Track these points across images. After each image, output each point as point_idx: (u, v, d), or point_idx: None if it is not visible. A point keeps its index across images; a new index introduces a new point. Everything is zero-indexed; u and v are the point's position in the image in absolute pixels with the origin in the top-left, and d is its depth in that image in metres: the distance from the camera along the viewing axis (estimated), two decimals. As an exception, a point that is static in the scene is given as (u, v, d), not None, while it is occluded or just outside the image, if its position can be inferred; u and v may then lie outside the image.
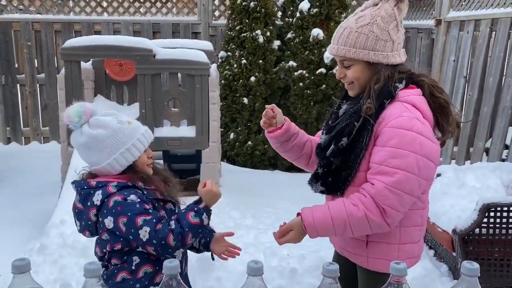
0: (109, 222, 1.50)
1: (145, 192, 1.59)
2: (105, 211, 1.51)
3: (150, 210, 1.53)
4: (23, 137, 6.37)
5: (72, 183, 1.63)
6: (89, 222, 1.56)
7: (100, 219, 1.53)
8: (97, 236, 1.62)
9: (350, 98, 1.65)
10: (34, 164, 5.39)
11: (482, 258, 2.59)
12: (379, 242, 1.57)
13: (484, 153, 4.33)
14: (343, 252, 1.73)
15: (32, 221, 3.70)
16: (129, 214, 1.49)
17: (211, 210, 1.58)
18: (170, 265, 0.97)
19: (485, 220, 2.55)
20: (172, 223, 1.51)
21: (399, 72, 1.57)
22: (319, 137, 1.76)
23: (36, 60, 6.22)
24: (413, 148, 1.44)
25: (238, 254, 1.78)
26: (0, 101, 6.17)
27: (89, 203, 1.54)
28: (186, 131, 4.23)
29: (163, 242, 1.47)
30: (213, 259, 1.82)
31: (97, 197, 1.52)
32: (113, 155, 1.54)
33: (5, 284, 2.90)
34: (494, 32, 4.38)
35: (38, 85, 6.25)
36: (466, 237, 2.57)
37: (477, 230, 2.57)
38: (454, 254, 2.68)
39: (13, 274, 0.96)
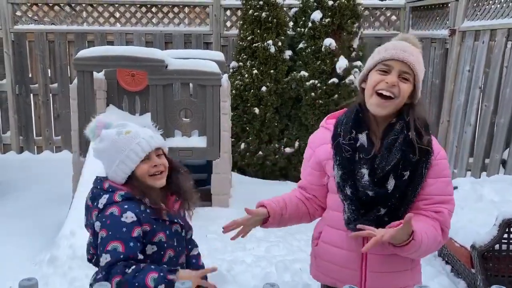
0: (97, 226, 1.52)
1: (148, 210, 1.55)
2: (99, 215, 1.53)
3: (131, 243, 1.46)
4: (35, 146, 6.41)
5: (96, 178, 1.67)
6: (91, 221, 1.59)
7: (95, 220, 1.55)
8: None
9: (363, 127, 1.57)
10: (46, 174, 5.41)
11: (503, 275, 2.51)
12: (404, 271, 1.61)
13: (501, 165, 4.24)
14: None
15: (43, 232, 3.69)
16: (110, 233, 1.47)
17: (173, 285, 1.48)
18: (183, 286, 0.94)
19: (506, 236, 2.47)
20: (131, 270, 1.43)
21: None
22: (300, 187, 1.72)
23: (49, 70, 6.27)
24: (450, 175, 1.62)
25: None
26: (13, 111, 6.22)
27: (95, 203, 1.57)
28: (197, 141, 4.21)
29: (107, 278, 1.42)
30: None
31: (102, 201, 1.54)
32: (112, 167, 1.56)
33: (14, 295, 2.86)
34: (510, 42, 4.31)
35: (51, 94, 6.29)
36: (485, 254, 2.49)
37: (497, 246, 2.48)
38: (473, 270, 2.59)
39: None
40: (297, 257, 3.24)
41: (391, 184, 1.51)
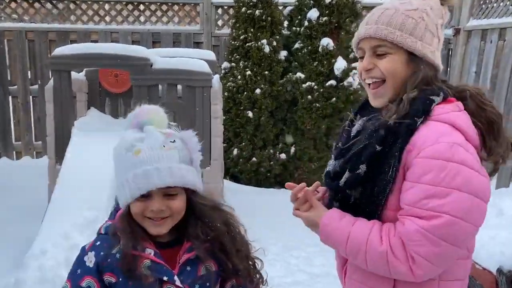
0: None
1: (117, 256, 1.14)
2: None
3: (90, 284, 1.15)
4: (14, 152, 6.04)
5: None
6: None
7: None
8: None
9: (368, 112, 1.33)
10: (23, 181, 5.05)
11: (533, 303, 2.21)
12: None
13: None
14: None
15: (12, 249, 3.33)
16: (70, 269, 1.21)
17: None
18: None
19: (537, 258, 2.18)
20: None
21: (435, 81, 1.25)
22: None
23: (29, 71, 5.92)
24: (455, 184, 1.12)
25: None
26: (-10, 114, 5.86)
27: None
28: (186, 147, 3.87)
29: None
30: None
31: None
32: (116, 184, 1.20)
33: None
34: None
35: (31, 97, 5.94)
36: (514, 279, 2.19)
37: (526, 270, 2.18)
38: (497, 297, 2.29)
39: None
40: (296, 279, 2.91)
41: (345, 177, 1.24)
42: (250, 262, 1.26)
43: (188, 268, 1.18)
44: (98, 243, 1.19)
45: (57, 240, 2.91)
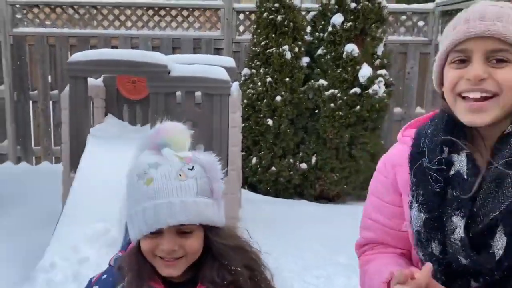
0: None
1: None
2: None
3: None
4: (33, 157, 6.05)
5: None
6: None
7: None
8: None
9: (461, 141, 0.99)
10: (40, 187, 5.00)
11: None
12: None
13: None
14: None
15: (24, 259, 3.26)
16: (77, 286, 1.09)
17: None
18: None
19: None
20: None
21: None
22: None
23: (49, 76, 5.93)
24: None
25: None
26: (11, 119, 5.87)
27: None
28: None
29: None
30: None
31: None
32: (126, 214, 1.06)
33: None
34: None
35: (51, 102, 5.94)
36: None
37: None
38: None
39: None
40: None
41: (499, 244, 0.90)
42: None
43: None
44: (105, 276, 1.07)
45: (66, 254, 2.83)
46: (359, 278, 1.20)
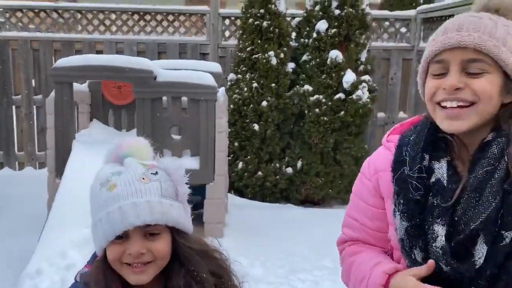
0: None
1: None
2: None
3: None
4: (17, 162, 5.98)
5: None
6: None
7: None
8: None
9: (443, 151, 1.02)
10: (24, 193, 4.97)
11: None
12: None
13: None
14: None
15: (8, 266, 3.25)
16: None
17: None
18: None
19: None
20: None
21: None
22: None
23: (33, 81, 5.88)
24: None
25: None
26: (-7, 124, 5.81)
27: None
28: (189, 162, 3.76)
29: None
30: None
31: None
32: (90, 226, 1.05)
33: None
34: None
35: (34, 107, 5.89)
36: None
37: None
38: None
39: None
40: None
41: (479, 253, 0.93)
42: None
43: None
44: None
45: (53, 259, 2.82)
46: (341, 271, 1.23)
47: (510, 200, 0.92)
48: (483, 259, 0.92)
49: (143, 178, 0.98)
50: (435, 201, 0.98)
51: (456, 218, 0.95)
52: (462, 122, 0.98)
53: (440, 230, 0.96)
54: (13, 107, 5.86)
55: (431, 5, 6.14)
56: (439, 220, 0.96)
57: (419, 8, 5.96)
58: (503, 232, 0.91)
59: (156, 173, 1.01)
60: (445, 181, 0.98)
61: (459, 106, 0.98)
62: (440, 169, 0.99)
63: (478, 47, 0.96)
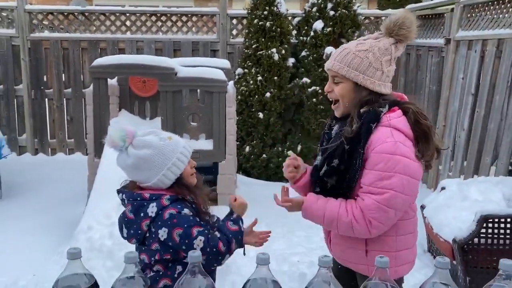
0: (163, 233, 1.58)
1: (193, 206, 1.67)
2: (159, 222, 1.58)
3: (202, 222, 1.64)
4: (49, 148, 6.69)
5: (121, 192, 1.71)
6: (139, 231, 1.60)
7: (153, 229, 1.59)
8: (141, 244, 1.66)
9: (340, 119, 1.76)
10: (60, 174, 5.67)
11: (481, 266, 2.73)
12: (378, 251, 1.66)
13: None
14: (344, 263, 1.84)
15: (62, 228, 3.96)
16: (185, 226, 1.58)
17: (242, 218, 1.75)
18: (194, 254, 1.18)
19: (483, 230, 2.70)
20: (217, 233, 1.64)
21: (383, 99, 1.69)
22: None
23: (63, 76, 6.56)
24: (397, 170, 1.58)
25: (270, 236, 1.90)
26: (29, 114, 6.53)
27: (142, 214, 1.59)
28: (204, 144, 4.46)
29: (214, 249, 1.59)
30: (244, 254, 1.81)
31: (152, 209, 1.58)
32: (162, 171, 1.61)
33: (37, 283, 3.12)
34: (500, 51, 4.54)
35: (64, 99, 6.58)
36: (465, 247, 2.72)
37: (475, 240, 2.72)
38: (454, 262, 2.83)
39: (68, 259, 1.17)
40: (295, 251, 3.49)
41: (323, 170, 1.70)
42: None
43: None
44: (179, 206, 1.61)
45: (100, 219, 3.53)
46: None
47: (341, 144, 1.66)
48: (323, 172, 1.71)
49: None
50: (323, 143, 1.80)
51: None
52: (337, 111, 1.76)
53: (319, 157, 1.80)
54: (46, 99, 6.58)
55: (419, 4, 6.75)
56: (320, 152, 1.80)
57: (408, 6, 6.57)
58: (333, 160, 1.68)
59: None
60: (333, 134, 1.78)
61: (333, 101, 1.76)
62: (335, 128, 1.79)
63: (335, 70, 1.70)
